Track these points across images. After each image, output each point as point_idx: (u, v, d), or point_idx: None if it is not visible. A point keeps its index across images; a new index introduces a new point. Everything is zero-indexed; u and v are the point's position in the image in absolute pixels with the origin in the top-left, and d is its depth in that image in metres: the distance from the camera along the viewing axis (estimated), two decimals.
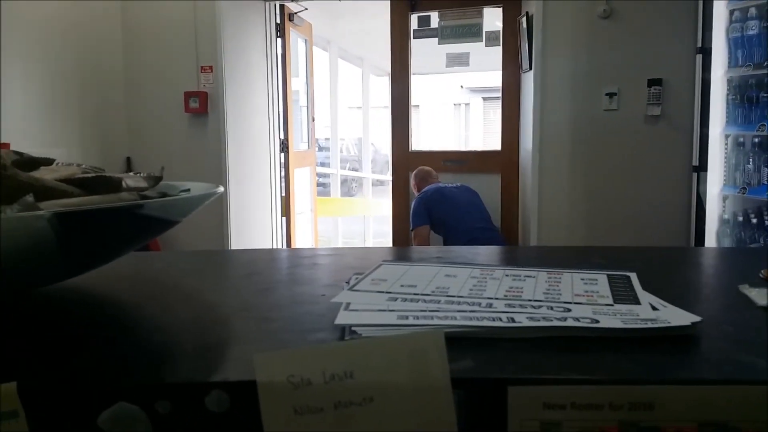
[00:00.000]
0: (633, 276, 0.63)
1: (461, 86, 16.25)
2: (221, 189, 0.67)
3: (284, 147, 5.07)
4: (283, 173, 5.09)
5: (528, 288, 0.58)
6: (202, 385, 0.40)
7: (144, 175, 0.69)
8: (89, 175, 0.64)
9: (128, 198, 0.57)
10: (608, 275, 0.63)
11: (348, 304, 0.53)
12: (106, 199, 0.55)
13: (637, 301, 0.54)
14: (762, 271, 0.66)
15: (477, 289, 0.58)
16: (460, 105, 17.07)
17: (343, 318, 0.50)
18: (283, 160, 5.08)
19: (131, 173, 0.71)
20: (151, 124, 4.63)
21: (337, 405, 0.39)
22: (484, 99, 15.26)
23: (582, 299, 0.54)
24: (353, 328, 0.47)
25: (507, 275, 0.63)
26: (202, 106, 4.48)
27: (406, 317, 0.49)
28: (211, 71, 4.47)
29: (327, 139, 8.51)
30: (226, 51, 4.48)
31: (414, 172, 4.33)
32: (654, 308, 0.52)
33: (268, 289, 0.67)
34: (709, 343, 0.47)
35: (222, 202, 4.46)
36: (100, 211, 0.52)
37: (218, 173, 4.46)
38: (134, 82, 4.63)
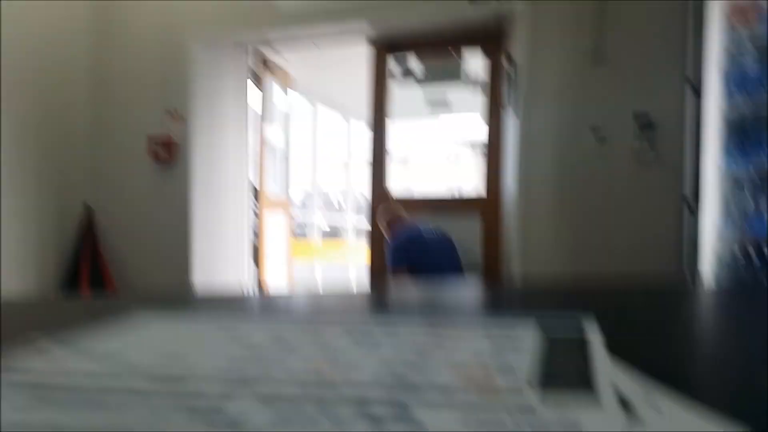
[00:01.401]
0: (591, 325, 0.34)
1: (454, 142, 16.14)
2: None
3: (256, 194, 4.82)
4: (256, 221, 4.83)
5: (364, 356, 0.29)
6: None
7: None
8: None
9: None
10: (545, 328, 0.34)
11: None
12: None
13: (588, 386, 0.25)
14: None
15: (248, 362, 0.29)
16: (451, 157, 16.92)
17: None
18: (255, 208, 4.82)
19: None
20: (114, 170, 4.38)
21: None
22: (475, 150, 15.08)
23: (462, 382, 0.25)
24: None
25: (349, 332, 0.34)
26: (169, 153, 4.24)
27: None
28: (180, 118, 4.24)
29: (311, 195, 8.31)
30: (197, 98, 4.27)
31: (380, 210, 4.02)
32: (629, 411, 0.23)
33: None
34: None
35: (185, 250, 4.18)
36: None
37: (183, 221, 4.19)
38: (99, 129, 4.40)
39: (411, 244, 3.71)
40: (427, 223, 3.91)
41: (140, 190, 4.31)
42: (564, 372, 0.27)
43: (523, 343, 0.31)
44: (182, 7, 4.23)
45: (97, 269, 4.28)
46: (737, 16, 2.90)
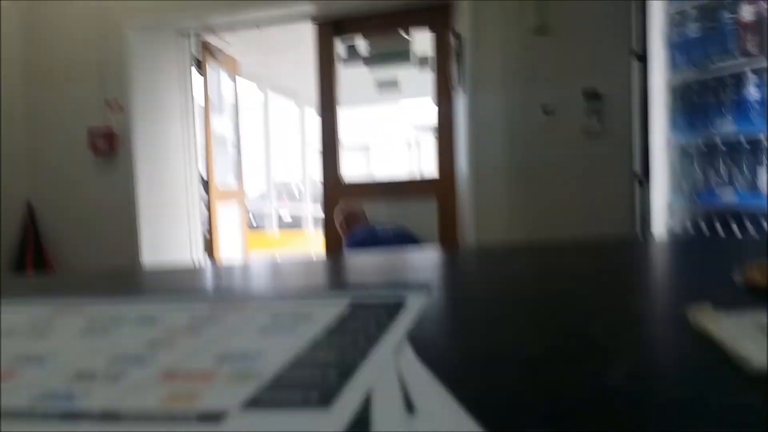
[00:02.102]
0: (412, 302, 0.26)
1: (411, 125, 16.04)
2: None
3: (206, 186, 4.66)
4: (207, 214, 4.67)
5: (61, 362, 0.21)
6: None
7: None
8: None
9: None
10: (353, 305, 0.26)
11: None
12: None
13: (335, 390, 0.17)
14: (741, 269, 0.30)
15: None
16: (411, 144, 16.84)
17: None
18: (206, 200, 4.67)
19: None
20: (54, 166, 4.19)
21: None
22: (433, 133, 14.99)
23: (155, 400, 0.17)
24: None
25: (92, 320, 0.26)
26: (111, 145, 4.07)
27: None
28: (120, 108, 4.06)
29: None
30: (137, 88, 4.10)
31: (339, 208, 3.94)
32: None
33: None
34: None
35: (134, 244, 4.04)
36: None
37: (129, 216, 4.04)
38: (37, 122, 4.21)
39: (366, 241, 3.65)
40: (383, 224, 3.86)
41: (82, 183, 4.15)
42: (316, 376, 0.19)
43: (307, 328, 0.23)
44: None
45: (42, 265, 4.14)
46: None
